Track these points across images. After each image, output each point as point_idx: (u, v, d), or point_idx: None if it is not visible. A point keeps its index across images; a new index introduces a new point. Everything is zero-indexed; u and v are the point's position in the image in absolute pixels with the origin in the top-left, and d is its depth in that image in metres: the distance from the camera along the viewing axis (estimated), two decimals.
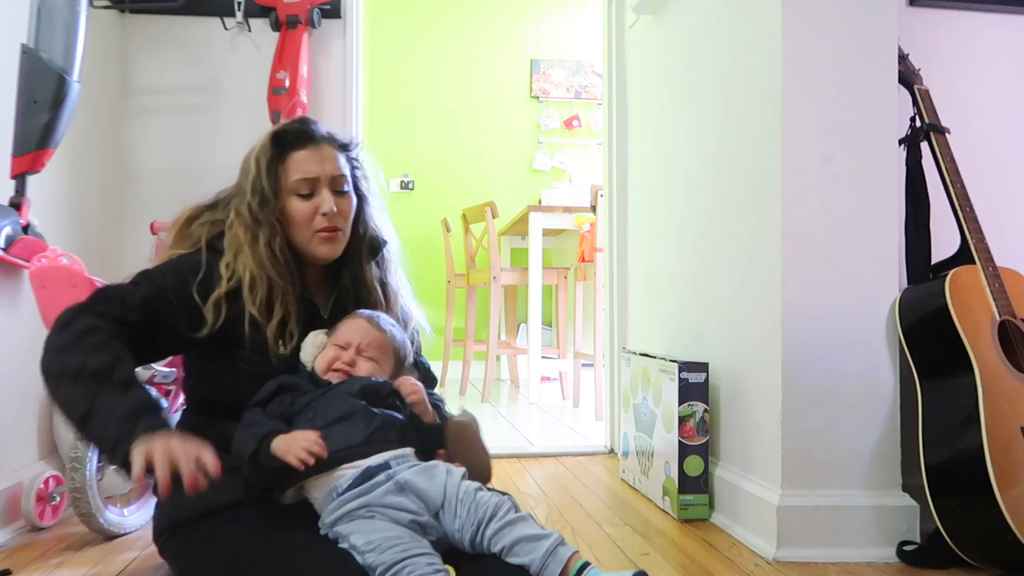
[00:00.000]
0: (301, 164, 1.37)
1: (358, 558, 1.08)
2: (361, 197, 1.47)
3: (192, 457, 1.06)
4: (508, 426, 3.21)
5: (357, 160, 1.48)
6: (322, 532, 1.16)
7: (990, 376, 1.48)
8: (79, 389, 1.12)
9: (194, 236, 1.39)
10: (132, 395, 1.14)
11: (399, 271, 1.53)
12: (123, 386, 1.14)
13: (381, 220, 1.51)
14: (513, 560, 1.08)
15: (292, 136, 1.39)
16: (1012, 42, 1.94)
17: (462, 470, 1.20)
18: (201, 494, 1.08)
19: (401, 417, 1.24)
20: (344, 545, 1.11)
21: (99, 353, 1.15)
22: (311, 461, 1.11)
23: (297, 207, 1.36)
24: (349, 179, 1.43)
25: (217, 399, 1.35)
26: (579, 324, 4.16)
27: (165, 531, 1.28)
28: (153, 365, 1.71)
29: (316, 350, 1.31)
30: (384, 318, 1.38)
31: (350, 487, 1.13)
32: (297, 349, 1.32)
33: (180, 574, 1.32)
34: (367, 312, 1.38)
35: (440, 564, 1.07)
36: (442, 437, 1.32)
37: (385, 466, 1.16)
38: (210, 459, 1.08)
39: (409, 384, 1.31)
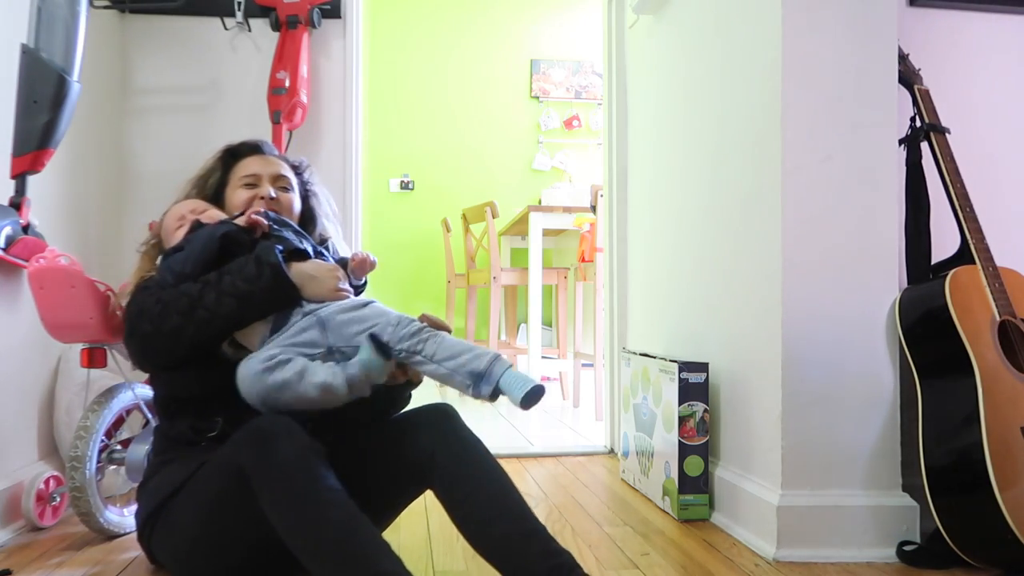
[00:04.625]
0: (247, 165, 1.52)
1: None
2: (312, 212, 1.58)
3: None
4: (508, 426, 3.21)
5: (309, 182, 1.60)
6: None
7: (990, 376, 1.48)
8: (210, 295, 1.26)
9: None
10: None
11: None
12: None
13: (337, 241, 1.58)
14: (448, 364, 1.22)
15: (244, 148, 1.56)
16: (1012, 42, 1.94)
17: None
18: (166, 475, 1.29)
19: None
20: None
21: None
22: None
23: (239, 194, 1.49)
24: (295, 189, 1.54)
25: (180, 395, 1.39)
26: (579, 324, 4.16)
27: (146, 524, 1.32)
28: (138, 388, 1.74)
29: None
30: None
31: (272, 332, 1.27)
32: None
33: (168, 562, 1.34)
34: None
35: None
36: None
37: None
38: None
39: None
